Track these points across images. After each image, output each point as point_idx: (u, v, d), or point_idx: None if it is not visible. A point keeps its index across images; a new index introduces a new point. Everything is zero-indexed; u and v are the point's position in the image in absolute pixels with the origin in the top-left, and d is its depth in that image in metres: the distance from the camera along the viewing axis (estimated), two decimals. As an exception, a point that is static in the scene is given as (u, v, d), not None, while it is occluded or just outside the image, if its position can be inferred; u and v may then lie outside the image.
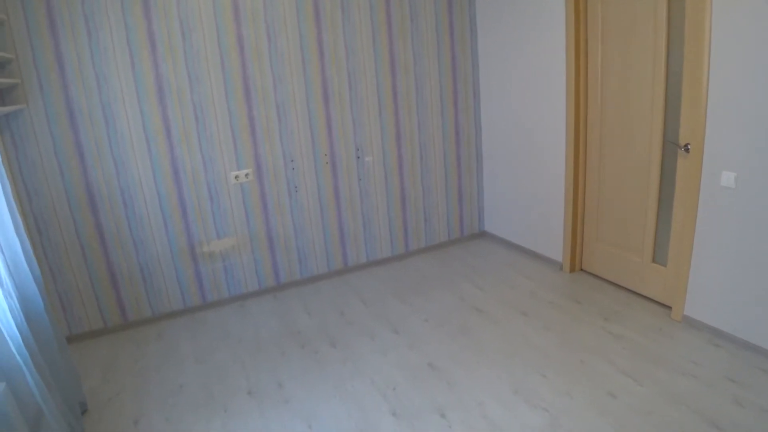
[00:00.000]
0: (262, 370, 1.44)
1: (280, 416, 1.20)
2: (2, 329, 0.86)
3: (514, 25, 1.91)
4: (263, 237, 2.11)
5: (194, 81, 1.86)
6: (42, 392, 0.96)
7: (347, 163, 2.18)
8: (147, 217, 1.90)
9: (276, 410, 1.23)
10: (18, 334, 0.97)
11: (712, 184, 1.27)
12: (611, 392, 1.14)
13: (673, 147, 1.37)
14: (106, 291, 1.91)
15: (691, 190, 1.32)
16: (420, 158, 2.27)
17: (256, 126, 1.98)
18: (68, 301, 1.87)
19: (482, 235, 2.51)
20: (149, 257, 1.94)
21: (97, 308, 1.90)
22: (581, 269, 1.94)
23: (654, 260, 1.56)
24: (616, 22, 1.48)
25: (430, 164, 2.30)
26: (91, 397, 1.42)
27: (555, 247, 2.01)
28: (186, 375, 1.47)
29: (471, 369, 1.31)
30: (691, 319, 1.40)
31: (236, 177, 1.96)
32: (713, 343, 1.30)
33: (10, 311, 0.96)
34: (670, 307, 1.50)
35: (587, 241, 1.84)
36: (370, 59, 2.13)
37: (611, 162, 1.64)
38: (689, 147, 1.31)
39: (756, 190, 1.16)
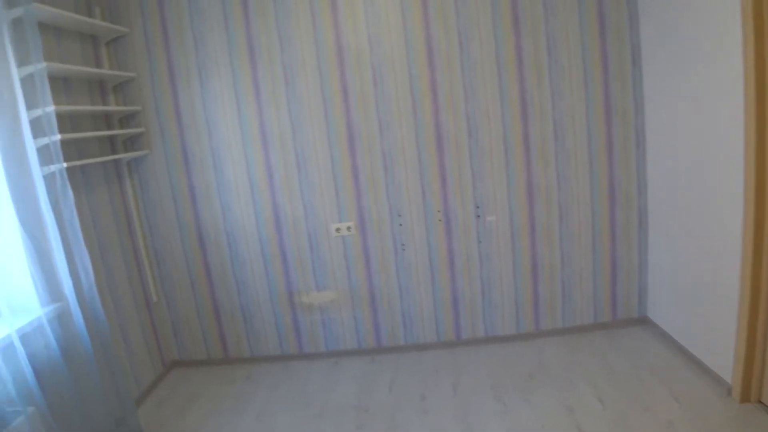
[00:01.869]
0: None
1: None
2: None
3: (696, 53, 2.19)
4: (365, 294, 3.07)
5: (297, 127, 2.85)
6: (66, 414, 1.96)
7: (464, 221, 2.92)
8: (249, 261, 3.07)
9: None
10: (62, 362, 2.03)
11: None
12: None
13: None
14: (210, 325, 3.20)
15: None
16: (559, 220, 2.90)
17: (359, 176, 2.89)
18: (179, 329, 3.23)
19: (642, 321, 3.04)
20: (250, 299, 3.13)
21: (202, 340, 3.23)
22: (760, 401, 2.20)
23: None
24: None
25: (572, 227, 2.91)
26: (150, 422, 2.62)
27: (724, 358, 2.32)
28: (238, 430, 2.46)
29: None
30: None
31: (337, 230, 2.95)
32: None
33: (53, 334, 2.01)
34: None
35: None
36: (494, 100, 2.76)
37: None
38: None
39: None
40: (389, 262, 3.06)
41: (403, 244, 3.03)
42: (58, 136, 2.21)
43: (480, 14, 2.74)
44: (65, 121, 2.55)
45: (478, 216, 2.95)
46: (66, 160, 2.39)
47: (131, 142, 3.04)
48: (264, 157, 2.97)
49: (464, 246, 3.01)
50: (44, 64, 2.17)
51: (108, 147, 2.94)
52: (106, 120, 2.93)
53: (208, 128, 2.97)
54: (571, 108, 2.82)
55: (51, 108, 2.19)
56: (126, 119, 3.01)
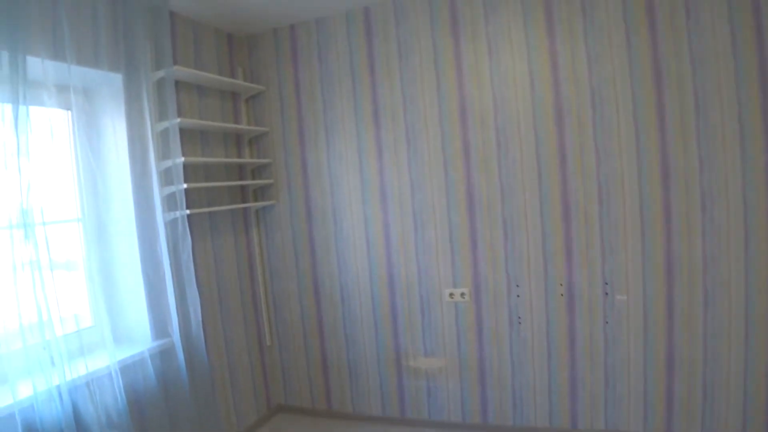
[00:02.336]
0: None
1: None
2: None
3: None
4: (474, 366, 3.14)
5: (416, 188, 3.08)
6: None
7: (590, 298, 2.89)
8: (360, 317, 3.32)
9: None
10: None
11: None
12: None
13: None
14: (317, 375, 3.49)
15: None
16: (704, 306, 2.74)
17: (477, 241, 3.02)
18: (288, 374, 3.57)
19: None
20: (358, 355, 3.37)
21: (309, 388, 3.52)
22: None
23: None
24: None
25: (720, 317, 2.72)
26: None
27: None
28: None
29: None
30: None
31: (451, 295, 3.09)
32: None
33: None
34: None
35: None
36: (631, 165, 2.74)
37: None
38: None
39: None
40: (503, 335, 3.12)
41: (519, 317, 3.08)
42: (184, 186, 2.68)
43: (616, 71, 2.76)
44: (199, 171, 3.06)
45: (606, 294, 2.92)
46: (196, 206, 2.90)
47: (261, 192, 3.51)
48: (382, 216, 3.23)
49: (588, 326, 2.98)
50: (177, 120, 2.67)
51: (239, 195, 3.42)
52: (239, 170, 3.41)
53: (331, 184, 3.32)
54: (723, 175, 2.69)
55: (180, 160, 2.67)
56: (258, 170, 3.49)
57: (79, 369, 2.19)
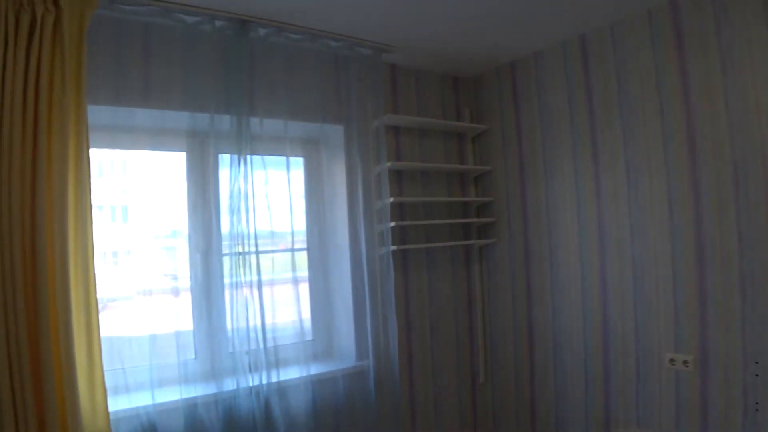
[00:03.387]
0: None
1: None
2: None
3: None
4: None
5: (635, 233, 2.82)
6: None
7: None
8: (571, 370, 3.14)
9: None
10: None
11: None
12: None
13: None
14: (525, 423, 3.42)
15: None
16: None
17: (707, 300, 2.59)
18: (498, 415, 3.60)
19: None
20: (566, 411, 3.18)
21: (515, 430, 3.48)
22: None
23: None
24: None
25: None
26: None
27: None
28: None
29: None
30: None
31: (671, 360, 2.71)
32: None
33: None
34: None
35: None
36: None
37: None
38: None
39: None
40: (735, 421, 2.60)
41: (756, 403, 2.54)
42: (391, 224, 3.07)
43: None
44: (418, 208, 3.38)
45: None
46: (413, 242, 3.28)
47: (484, 230, 3.64)
48: (599, 262, 3.03)
49: None
50: (387, 165, 3.07)
51: (461, 232, 3.62)
52: (463, 207, 3.62)
53: (549, 225, 3.25)
54: None
55: (389, 200, 3.05)
56: (482, 208, 3.65)
57: (276, 375, 2.72)
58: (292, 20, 2.75)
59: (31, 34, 2.07)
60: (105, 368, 2.26)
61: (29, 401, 2.01)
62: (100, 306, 2.30)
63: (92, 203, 2.24)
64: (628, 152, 2.89)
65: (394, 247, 3.12)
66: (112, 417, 2.28)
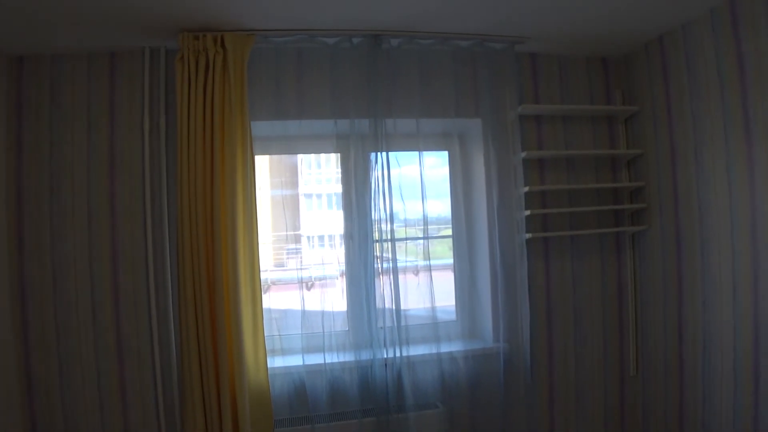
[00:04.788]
0: None
1: None
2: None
3: None
4: None
5: None
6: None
7: None
8: (720, 369, 2.86)
9: None
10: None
11: None
12: None
13: None
14: (673, 420, 3.22)
15: None
16: None
17: None
18: (647, 411, 3.40)
19: None
20: (712, 414, 2.92)
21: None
22: None
23: None
24: None
25: None
26: None
27: None
28: None
29: None
30: None
31: None
32: None
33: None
34: None
35: None
36: None
37: None
38: None
39: None
40: None
41: None
42: (526, 213, 3.19)
43: None
44: (563, 196, 3.40)
45: None
46: (557, 229, 3.35)
47: (637, 216, 3.48)
48: (751, 251, 2.73)
49: None
50: (523, 154, 3.18)
51: (611, 218, 3.50)
52: (614, 193, 3.49)
53: (700, 212, 3.00)
54: None
55: (523, 190, 3.19)
56: (634, 193, 3.48)
57: (409, 350, 3.05)
58: (422, 28, 2.98)
59: (206, 71, 2.74)
60: (269, 334, 2.93)
61: (210, 355, 2.71)
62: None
63: (257, 199, 2.86)
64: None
65: (529, 235, 3.19)
66: (270, 373, 2.88)
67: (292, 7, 2.63)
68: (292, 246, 3.32)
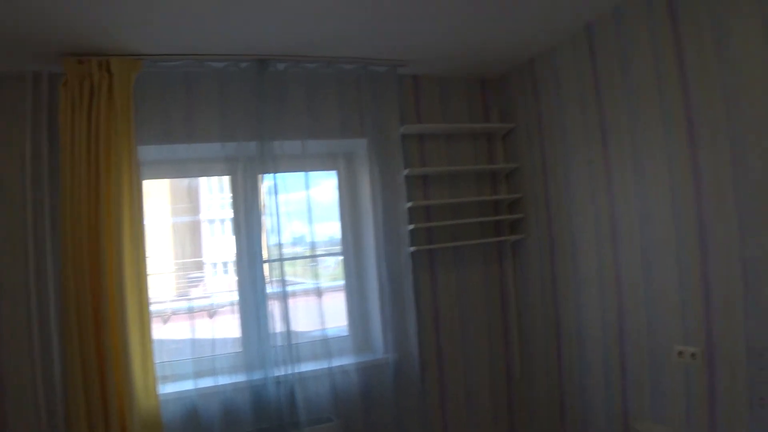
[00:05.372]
0: None
1: None
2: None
3: None
4: None
5: (643, 221, 2.75)
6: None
7: None
8: (592, 364, 3.09)
9: None
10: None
11: None
12: None
13: None
14: (555, 416, 3.43)
15: None
16: None
17: (711, 290, 2.46)
18: (533, 410, 3.59)
19: None
20: (589, 406, 3.16)
21: (544, 429, 3.50)
22: None
23: None
24: None
25: None
26: None
27: None
28: None
29: None
30: None
31: (680, 353, 2.60)
32: None
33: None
34: None
35: None
36: None
37: None
38: None
39: None
40: (738, 416, 2.46)
41: (761, 399, 2.41)
42: (409, 227, 3.32)
43: None
44: (446, 210, 3.56)
45: None
46: (441, 241, 3.48)
47: (515, 226, 3.70)
48: (613, 254, 2.97)
49: None
50: (405, 171, 3.34)
51: (492, 229, 3.71)
52: (495, 205, 3.71)
53: (569, 220, 3.26)
54: None
55: (405, 205, 3.32)
56: (513, 204, 3.71)
57: (301, 367, 3.07)
58: (308, 53, 3.06)
59: (90, 96, 2.68)
60: (162, 361, 2.93)
61: (96, 386, 2.62)
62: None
63: (144, 225, 2.82)
64: (634, 138, 2.83)
65: (414, 248, 3.33)
66: (162, 399, 2.82)
67: (180, 32, 2.65)
68: (196, 274, 3.29)
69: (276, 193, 3.04)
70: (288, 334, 2.99)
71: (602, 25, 2.93)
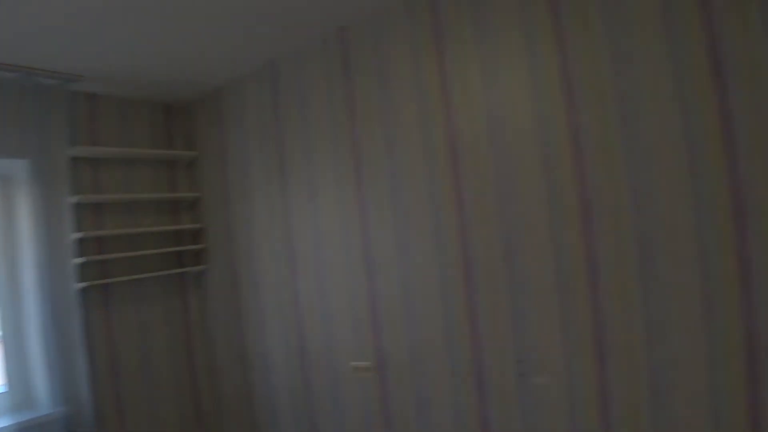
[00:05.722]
0: None
1: None
2: None
3: None
4: None
5: (317, 247, 2.94)
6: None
7: (501, 381, 2.44)
8: (278, 390, 3.17)
9: None
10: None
11: None
12: None
13: None
14: None
15: None
16: (649, 387, 2.10)
17: (377, 307, 2.74)
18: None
19: None
20: (277, 428, 3.22)
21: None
22: None
23: None
24: None
25: (673, 401, 2.07)
26: None
27: None
28: None
29: None
30: None
31: (354, 368, 2.81)
32: None
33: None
34: None
35: None
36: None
37: None
38: None
39: None
40: (409, 419, 2.76)
41: (428, 399, 2.72)
42: (79, 260, 2.98)
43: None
44: (123, 241, 3.25)
45: (522, 374, 2.47)
46: (117, 275, 3.15)
47: (198, 257, 3.60)
48: (292, 281, 3.10)
49: (502, 415, 2.52)
50: (75, 198, 3.01)
51: (175, 260, 3.54)
52: (178, 235, 3.54)
53: (250, 249, 3.32)
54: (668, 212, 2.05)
55: (72, 236, 2.93)
56: (196, 234, 3.61)
57: None
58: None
59: None
60: None
61: None
62: None
63: None
64: (310, 172, 3.05)
65: (85, 284, 2.96)
66: None
67: None
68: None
69: None
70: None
71: (285, 64, 3.09)
